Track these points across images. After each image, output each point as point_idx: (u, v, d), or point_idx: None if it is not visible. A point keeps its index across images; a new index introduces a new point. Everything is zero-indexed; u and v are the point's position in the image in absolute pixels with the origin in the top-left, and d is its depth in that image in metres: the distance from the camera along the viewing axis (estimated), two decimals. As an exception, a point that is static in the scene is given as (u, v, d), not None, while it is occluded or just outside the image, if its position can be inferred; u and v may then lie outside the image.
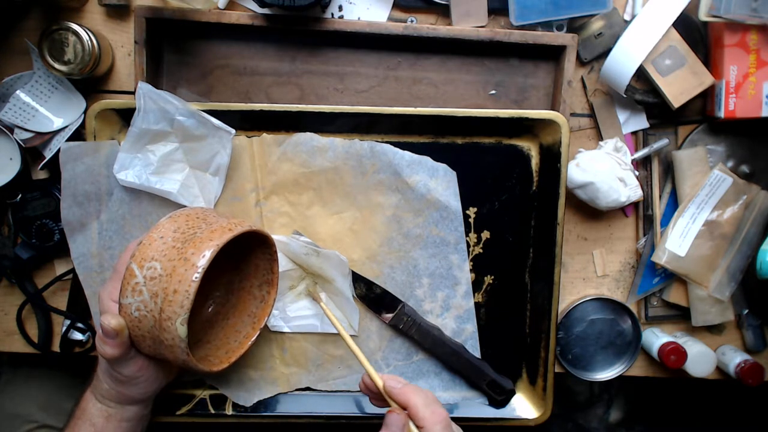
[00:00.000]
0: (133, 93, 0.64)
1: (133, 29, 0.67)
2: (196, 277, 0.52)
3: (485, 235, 0.72)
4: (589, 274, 0.79)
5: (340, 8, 0.72)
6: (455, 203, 0.70)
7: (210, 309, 0.67)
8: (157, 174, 0.65)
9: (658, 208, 0.76)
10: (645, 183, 0.76)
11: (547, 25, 0.71)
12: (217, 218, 0.58)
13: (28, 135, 0.69)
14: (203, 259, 0.52)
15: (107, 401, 0.59)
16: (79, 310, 0.74)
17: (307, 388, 0.71)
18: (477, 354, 0.72)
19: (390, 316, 0.70)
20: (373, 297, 0.70)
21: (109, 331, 0.54)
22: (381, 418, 0.70)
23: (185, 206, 0.66)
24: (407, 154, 0.68)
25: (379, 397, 0.58)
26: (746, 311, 0.78)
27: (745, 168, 0.76)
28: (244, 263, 0.66)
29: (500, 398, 0.72)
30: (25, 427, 0.79)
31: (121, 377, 0.58)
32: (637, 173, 0.74)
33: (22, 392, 0.81)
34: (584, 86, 0.76)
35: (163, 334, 0.53)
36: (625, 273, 0.79)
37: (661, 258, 0.73)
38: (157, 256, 0.53)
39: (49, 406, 0.81)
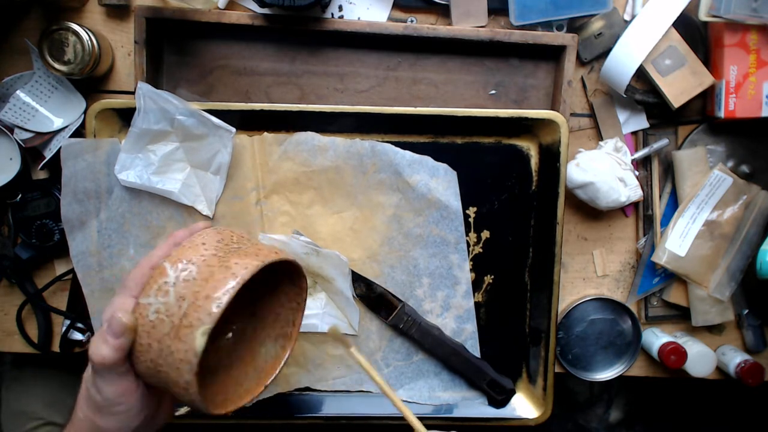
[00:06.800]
0: (133, 93, 0.64)
1: (133, 29, 0.67)
2: (233, 286, 0.46)
3: (485, 234, 0.72)
4: (589, 274, 0.79)
5: (340, 8, 0.72)
6: (456, 203, 0.70)
7: (221, 346, 0.60)
8: (159, 174, 0.65)
9: (658, 208, 0.76)
10: (645, 183, 0.76)
11: (547, 25, 0.71)
12: (261, 243, 0.56)
13: (28, 135, 0.69)
14: (245, 270, 0.47)
15: None
16: (79, 310, 0.74)
17: (307, 388, 0.71)
18: (477, 354, 0.72)
19: (390, 316, 0.70)
20: (374, 297, 0.70)
21: (119, 327, 0.47)
22: (380, 418, 0.70)
23: (186, 206, 0.66)
24: (408, 153, 0.68)
25: None
26: (746, 311, 0.78)
27: (745, 168, 0.76)
28: (262, 309, 0.61)
29: (500, 398, 0.72)
30: (31, 424, 0.80)
31: (100, 399, 0.49)
32: (637, 173, 0.74)
33: (27, 390, 0.82)
34: (584, 86, 0.76)
35: (176, 344, 0.47)
36: (625, 273, 0.79)
37: (661, 258, 0.73)
38: (195, 260, 0.49)
39: (53, 403, 0.81)
